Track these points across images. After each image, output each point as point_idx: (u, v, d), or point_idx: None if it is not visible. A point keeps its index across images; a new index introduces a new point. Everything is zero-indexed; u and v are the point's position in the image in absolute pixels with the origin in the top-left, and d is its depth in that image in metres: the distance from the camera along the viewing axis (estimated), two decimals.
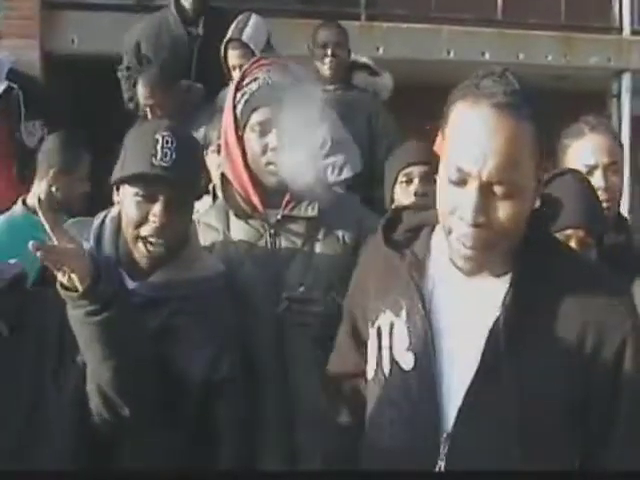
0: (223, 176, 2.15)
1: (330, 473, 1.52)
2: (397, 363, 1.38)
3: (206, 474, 1.75)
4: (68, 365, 1.70)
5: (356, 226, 2.07)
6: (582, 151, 2.24)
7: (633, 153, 6.51)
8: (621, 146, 2.31)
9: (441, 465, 1.31)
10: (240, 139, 2.08)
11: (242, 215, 2.08)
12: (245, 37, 3.78)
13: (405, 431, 1.36)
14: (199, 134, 3.48)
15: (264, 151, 2.03)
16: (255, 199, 2.07)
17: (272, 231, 2.05)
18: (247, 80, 2.09)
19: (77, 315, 1.59)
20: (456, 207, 1.29)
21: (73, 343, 1.66)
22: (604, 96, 6.96)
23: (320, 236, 2.05)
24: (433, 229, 1.45)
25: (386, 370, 1.40)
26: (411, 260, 1.41)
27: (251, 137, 2.05)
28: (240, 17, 3.86)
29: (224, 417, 1.81)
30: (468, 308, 1.36)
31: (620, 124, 6.84)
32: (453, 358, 1.35)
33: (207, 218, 2.14)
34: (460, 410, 1.32)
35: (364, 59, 3.96)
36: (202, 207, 2.45)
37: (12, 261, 1.79)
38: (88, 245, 1.83)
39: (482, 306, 1.34)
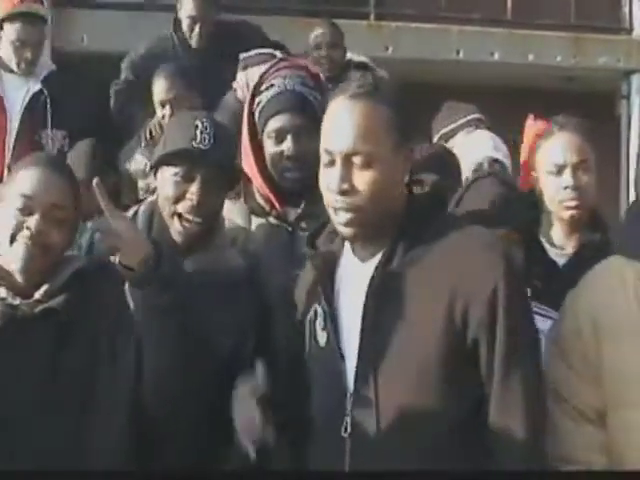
0: (244, 175, 2.18)
1: (330, 473, 1.57)
2: (317, 340, 1.63)
3: (212, 473, 1.77)
4: (125, 351, 1.75)
5: None
6: (551, 150, 2.25)
7: None
8: (591, 145, 2.30)
9: (347, 421, 1.53)
10: (257, 144, 2.10)
11: (260, 213, 2.12)
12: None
13: (321, 394, 1.61)
14: None
15: (280, 158, 2.05)
16: (273, 198, 2.09)
17: (290, 229, 2.06)
18: (264, 86, 2.10)
19: (137, 295, 1.70)
20: (328, 183, 1.55)
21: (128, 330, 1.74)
22: (613, 97, 6.94)
23: None
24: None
25: (312, 347, 1.65)
26: (322, 255, 1.65)
27: (268, 144, 2.08)
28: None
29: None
30: (360, 289, 1.58)
31: (629, 125, 6.83)
32: (351, 333, 1.57)
33: (230, 213, 2.19)
34: (355, 372, 1.54)
35: (361, 57, 3.96)
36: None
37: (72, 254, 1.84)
38: None
39: (365, 284, 1.57)
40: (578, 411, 1.57)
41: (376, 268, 1.56)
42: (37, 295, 1.71)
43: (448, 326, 1.50)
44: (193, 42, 4.08)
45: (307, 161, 2.00)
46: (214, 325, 1.83)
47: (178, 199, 1.87)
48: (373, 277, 1.55)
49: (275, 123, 2.06)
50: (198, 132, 1.86)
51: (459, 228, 1.61)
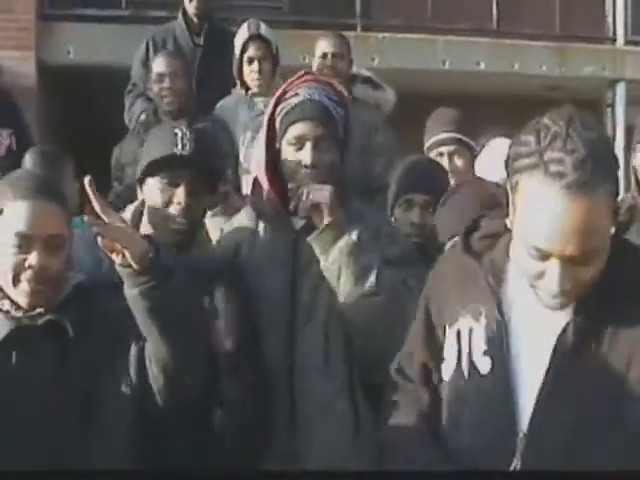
0: (255, 180, 2.20)
1: (330, 473, 1.54)
2: (475, 367, 1.44)
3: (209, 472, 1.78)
4: (125, 360, 1.77)
5: (376, 239, 2.09)
6: None
7: (627, 162, 6.53)
8: None
9: (517, 465, 1.37)
10: (275, 149, 2.09)
11: (267, 219, 2.12)
12: (263, 32, 3.83)
13: (482, 432, 1.42)
14: None
15: (298, 165, 2.05)
16: (280, 206, 2.09)
17: (295, 237, 2.07)
18: (289, 94, 2.11)
19: (136, 293, 1.65)
20: (541, 274, 1.34)
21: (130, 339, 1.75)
22: (598, 106, 6.99)
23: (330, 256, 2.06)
24: (511, 237, 1.47)
25: (465, 373, 1.46)
26: (488, 267, 1.47)
27: (287, 149, 2.07)
28: (248, 21, 3.91)
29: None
30: (543, 318, 1.41)
31: (614, 133, 6.87)
32: (527, 362, 1.40)
33: (239, 216, 2.24)
34: (534, 411, 1.37)
35: (367, 72, 3.97)
36: None
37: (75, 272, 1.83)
38: None
39: (555, 317, 1.40)
40: None
41: (577, 308, 1.38)
42: (39, 308, 1.70)
43: (626, 386, 1.35)
44: (197, 36, 4.23)
45: (323, 171, 2.03)
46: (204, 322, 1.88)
47: (166, 204, 1.95)
48: (573, 315, 1.38)
49: (296, 130, 2.06)
50: (179, 139, 1.95)
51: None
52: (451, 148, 3.09)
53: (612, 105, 6.99)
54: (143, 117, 3.84)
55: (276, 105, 2.13)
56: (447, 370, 1.51)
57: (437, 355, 1.55)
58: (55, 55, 5.79)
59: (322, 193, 1.99)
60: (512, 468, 1.36)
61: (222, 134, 3.56)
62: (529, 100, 6.19)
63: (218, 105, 3.92)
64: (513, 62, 6.51)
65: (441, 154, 3.09)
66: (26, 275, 1.67)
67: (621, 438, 1.34)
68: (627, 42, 7.05)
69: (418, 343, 1.62)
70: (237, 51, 3.83)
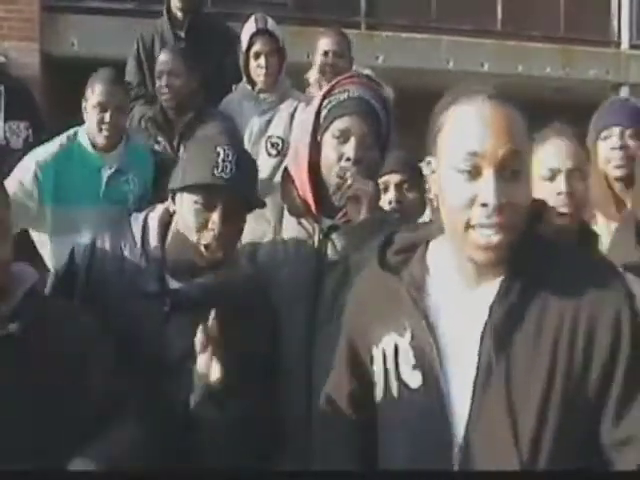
0: (285, 171, 2.18)
1: (329, 473, 1.52)
2: (404, 383, 1.42)
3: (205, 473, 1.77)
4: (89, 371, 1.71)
5: None
6: (546, 155, 2.22)
7: None
8: (588, 155, 2.30)
9: (456, 477, 1.34)
10: (316, 142, 2.09)
11: (295, 213, 2.11)
12: (270, 27, 3.82)
13: (419, 448, 1.39)
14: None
15: (339, 158, 2.04)
16: (311, 200, 2.08)
17: (321, 235, 2.06)
18: (337, 90, 2.12)
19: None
20: (475, 195, 1.33)
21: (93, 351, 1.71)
22: None
23: (364, 253, 2.05)
24: (427, 247, 1.49)
25: (394, 391, 1.44)
26: (409, 280, 1.45)
27: (330, 142, 2.06)
28: (255, 15, 3.90)
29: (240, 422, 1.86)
30: (468, 319, 1.39)
31: None
32: (458, 371, 1.38)
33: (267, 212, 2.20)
34: (468, 418, 1.35)
35: (366, 71, 3.97)
36: None
37: (28, 269, 1.77)
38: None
39: (479, 315, 1.38)
40: None
41: (497, 299, 1.37)
42: None
43: (571, 359, 1.34)
44: (180, 30, 4.20)
45: (364, 167, 2.03)
46: (228, 339, 1.81)
47: (200, 228, 1.86)
48: (492, 309, 1.36)
49: (343, 123, 2.05)
50: (220, 160, 1.84)
51: (574, 253, 1.46)
52: None
53: None
54: (142, 124, 3.81)
55: (324, 98, 2.13)
56: (378, 393, 1.48)
57: (365, 381, 1.53)
58: (59, 47, 5.79)
59: (365, 187, 2.00)
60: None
61: (228, 128, 3.56)
62: (533, 102, 6.19)
63: (224, 100, 3.91)
64: (517, 64, 6.51)
65: None
66: None
67: (554, 430, 1.32)
68: (632, 46, 7.06)
69: (343, 373, 1.60)
70: (243, 46, 3.82)
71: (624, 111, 2.64)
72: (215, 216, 1.84)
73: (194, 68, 3.79)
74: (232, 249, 1.94)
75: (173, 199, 1.93)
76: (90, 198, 3.15)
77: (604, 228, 2.50)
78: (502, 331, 1.35)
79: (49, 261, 3.12)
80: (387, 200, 2.74)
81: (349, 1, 6.62)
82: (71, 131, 3.27)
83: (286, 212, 2.13)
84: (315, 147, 2.09)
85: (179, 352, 1.84)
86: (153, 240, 1.95)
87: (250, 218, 2.01)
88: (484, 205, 1.32)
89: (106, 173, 3.20)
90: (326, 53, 3.81)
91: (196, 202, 1.85)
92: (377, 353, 1.47)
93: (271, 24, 3.87)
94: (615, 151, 2.53)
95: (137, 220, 2.01)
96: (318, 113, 2.11)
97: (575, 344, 1.34)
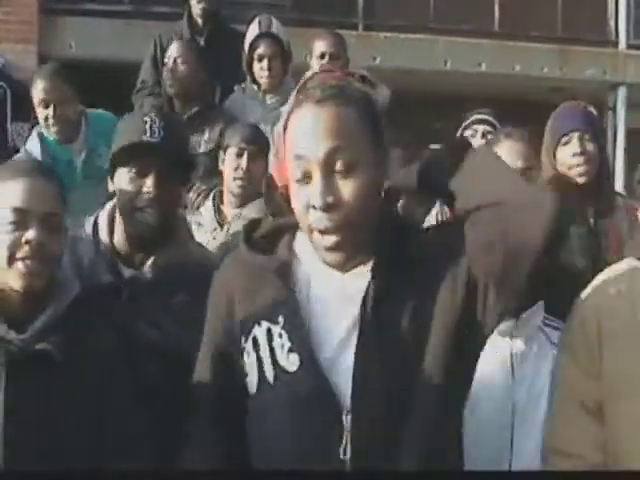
0: (269, 178, 2.19)
1: (332, 473, 1.51)
2: (281, 367, 1.41)
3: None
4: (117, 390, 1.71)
5: None
6: None
7: (627, 166, 6.54)
8: (537, 153, 2.33)
9: (347, 447, 1.36)
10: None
11: (279, 217, 2.11)
12: (274, 30, 3.83)
13: (304, 430, 1.39)
14: (213, 134, 3.55)
15: None
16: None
17: None
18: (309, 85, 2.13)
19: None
20: (308, 199, 1.37)
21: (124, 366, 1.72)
22: (600, 109, 6.99)
23: None
24: (294, 236, 1.50)
25: (270, 378, 1.42)
26: (278, 264, 1.45)
27: None
28: (259, 17, 3.91)
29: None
30: (342, 302, 1.41)
31: (615, 137, 6.88)
32: (336, 350, 1.40)
33: (248, 212, 2.19)
34: (352, 394, 1.37)
35: (362, 71, 3.97)
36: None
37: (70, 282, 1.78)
38: None
39: (354, 296, 1.40)
40: (578, 402, 1.57)
41: (370, 283, 1.39)
42: (31, 331, 1.62)
43: (443, 324, 1.38)
44: (200, 37, 4.22)
45: None
46: (190, 320, 1.80)
47: (136, 195, 1.88)
48: (367, 293, 1.39)
49: None
50: (147, 126, 1.88)
51: (423, 232, 1.52)
52: None
53: (613, 108, 7.00)
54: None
55: (297, 95, 2.13)
56: (251, 383, 1.45)
57: (233, 374, 1.48)
58: (57, 49, 5.79)
59: None
60: (342, 450, 1.35)
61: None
62: (530, 102, 6.20)
63: (228, 100, 3.92)
64: (514, 64, 6.52)
65: None
66: (22, 252, 1.61)
67: (432, 403, 1.36)
68: (629, 46, 7.07)
69: (209, 367, 1.53)
70: (246, 48, 3.83)
71: (580, 115, 2.68)
72: (149, 181, 1.86)
73: (204, 61, 3.82)
74: (171, 215, 1.93)
75: (112, 180, 1.95)
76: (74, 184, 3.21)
77: None
78: (377, 308, 1.38)
79: None
80: None
81: (347, 2, 6.63)
82: (33, 133, 3.37)
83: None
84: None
85: (144, 338, 1.84)
86: (103, 234, 1.95)
87: (238, 222, 2.03)
88: (314, 208, 1.35)
89: (79, 160, 3.28)
90: (323, 55, 3.82)
91: (130, 171, 1.88)
92: (248, 345, 1.45)
93: (275, 26, 3.88)
94: (577, 157, 2.55)
95: (89, 221, 2.01)
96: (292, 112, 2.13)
97: (442, 307, 1.38)
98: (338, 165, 1.35)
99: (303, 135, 1.38)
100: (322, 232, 1.36)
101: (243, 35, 3.99)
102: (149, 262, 1.90)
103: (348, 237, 1.36)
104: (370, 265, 1.41)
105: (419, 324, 1.38)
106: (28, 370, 1.60)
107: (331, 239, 1.36)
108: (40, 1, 5.77)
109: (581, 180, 2.58)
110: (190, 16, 4.32)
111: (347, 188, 1.35)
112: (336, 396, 1.37)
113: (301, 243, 1.47)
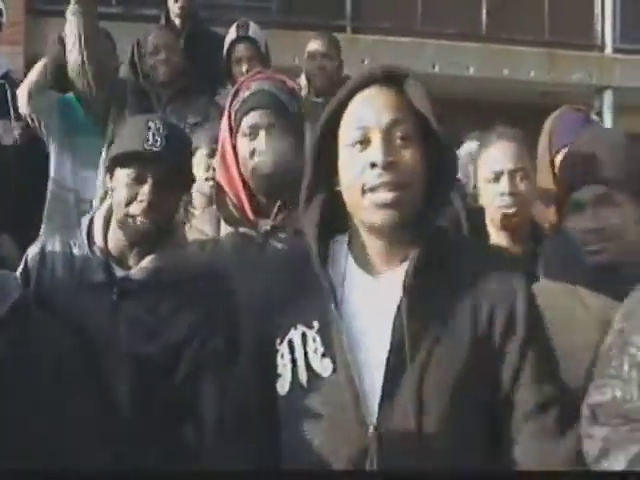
0: (216, 182, 2.17)
1: (332, 473, 1.50)
2: (314, 372, 1.42)
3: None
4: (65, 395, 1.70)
5: None
6: (489, 158, 2.28)
7: None
8: (530, 154, 2.33)
9: (373, 459, 1.35)
10: (234, 145, 2.10)
11: (232, 222, 2.10)
12: (251, 33, 3.83)
13: (332, 435, 1.40)
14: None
15: (252, 154, 2.04)
16: (246, 207, 2.08)
17: (261, 240, 2.06)
18: (241, 90, 2.13)
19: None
20: (366, 161, 1.41)
21: (71, 372, 1.72)
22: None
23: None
24: (329, 242, 1.51)
25: (303, 381, 1.43)
26: (315, 270, 1.46)
27: (242, 141, 2.07)
28: (238, 22, 3.90)
29: (207, 404, 1.84)
30: (378, 306, 1.42)
31: None
32: (369, 357, 1.40)
33: (199, 222, 2.18)
34: (380, 402, 1.37)
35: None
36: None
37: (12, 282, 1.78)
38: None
39: (389, 301, 1.41)
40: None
41: (405, 289, 1.39)
42: None
43: (476, 341, 1.39)
44: (178, 32, 4.19)
45: (279, 159, 2.02)
46: (181, 322, 1.84)
47: (130, 201, 1.88)
48: (401, 299, 1.39)
49: (249, 120, 2.06)
50: (150, 134, 1.88)
51: (476, 244, 1.56)
52: None
53: (600, 112, 7.03)
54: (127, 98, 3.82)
55: (232, 101, 2.13)
56: (284, 385, 1.46)
57: (269, 377, 1.49)
58: (44, 50, 5.76)
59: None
60: (368, 463, 1.35)
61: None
62: (517, 105, 6.22)
63: (221, 94, 3.91)
64: (502, 67, 6.55)
65: None
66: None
67: (466, 415, 1.37)
68: (615, 50, 7.12)
69: (250, 372, 1.55)
70: (225, 51, 3.82)
71: (581, 128, 2.66)
72: (145, 188, 1.86)
73: (181, 48, 3.82)
74: (165, 222, 1.93)
75: (111, 178, 1.95)
76: None
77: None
78: (411, 314, 1.38)
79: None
80: None
81: (334, 4, 6.64)
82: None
83: (223, 223, 2.12)
84: (235, 151, 2.09)
85: (132, 339, 1.84)
86: (97, 233, 1.96)
87: (189, 232, 2.04)
88: (374, 165, 1.40)
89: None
90: (314, 55, 3.81)
91: (128, 175, 1.88)
92: (283, 347, 1.47)
93: (253, 30, 3.87)
94: None
95: (85, 220, 2.03)
96: (229, 118, 2.12)
97: (478, 327, 1.40)
98: (398, 133, 1.43)
99: (367, 109, 1.46)
100: (378, 189, 1.39)
101: (224, 38, 3.99)
102: (141, 264, 1.91)
103: (401, 197, 1.40)
104: (403, 269, 1.41)
105: (452, 333, 1.38)
106: None
107: (386, 196, 1.39)
108: (27, 2, 5.75)
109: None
110: (168, 18, 4.29)
111: (405, 153, 1.42)
112: (365, 407, 1.37)
113: (337, 248, 1.49)
